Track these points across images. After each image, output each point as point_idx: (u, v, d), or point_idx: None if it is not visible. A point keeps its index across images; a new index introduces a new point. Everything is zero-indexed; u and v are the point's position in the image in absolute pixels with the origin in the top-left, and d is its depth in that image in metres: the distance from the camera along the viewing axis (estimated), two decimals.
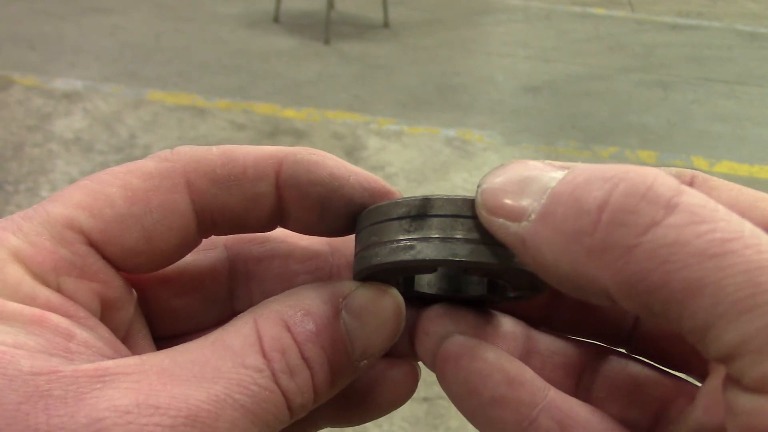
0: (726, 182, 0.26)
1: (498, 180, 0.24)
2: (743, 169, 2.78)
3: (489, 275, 0.27)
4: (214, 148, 0.27)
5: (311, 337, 0.25)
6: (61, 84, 3.00)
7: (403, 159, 2.65)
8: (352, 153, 2.66)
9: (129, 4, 4.03)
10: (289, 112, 2.94)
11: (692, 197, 0.19)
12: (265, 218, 0.28)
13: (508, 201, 0.23)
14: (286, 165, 0.27)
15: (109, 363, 0.22)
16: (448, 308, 0.28)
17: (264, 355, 0.24)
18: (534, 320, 0.30)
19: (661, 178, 0.20)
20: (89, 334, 0.24)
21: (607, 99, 3.33)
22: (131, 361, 0.23)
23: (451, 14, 4.36)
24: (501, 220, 0.23)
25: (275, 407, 0.23)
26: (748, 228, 0.19)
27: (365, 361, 0.27)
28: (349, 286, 0.27)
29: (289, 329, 0.25)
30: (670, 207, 0.19)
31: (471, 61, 3.70)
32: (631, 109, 3.25)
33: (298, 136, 2.76)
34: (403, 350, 0.29)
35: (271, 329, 0.25)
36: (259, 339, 0.24)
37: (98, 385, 0.21)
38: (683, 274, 0.18)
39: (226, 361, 0.23)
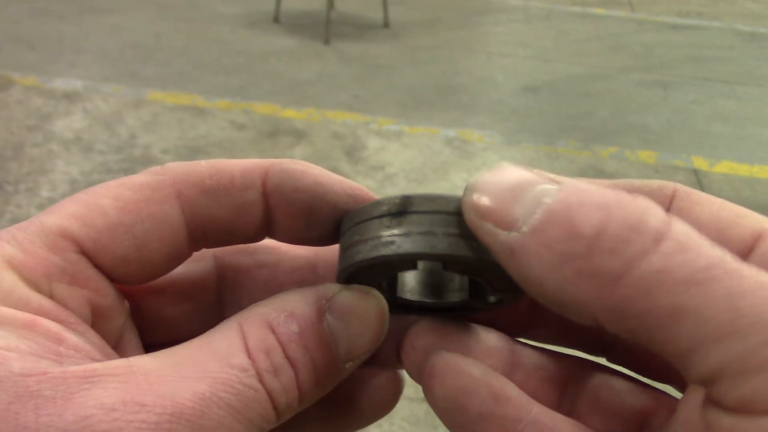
0: (708, 196, 0.26)
1: (489, 184, 0.24)
2: (743, 169, 2.78)
3: (468, 271, 0.28)
4: (203, 162, 0.28)
5: (295, 337, 0.26)
6: (61, 84, 3.00)
7: (403, 159, 2.65)
8: (352, 153, 2.66)
9: (129, 4, 4.02)
10: (289, 112, 2.94)
11: (679, 227, 0.20)
12: (253, 227, 0.29)
13: (498, 207, 0.23)
14: (272, 174, 0.28)
15: (97, 365, 0.23)
16: (435, 322, 0.29)
17: (249, 355, 0.24)
18: (517, 331, 0.31)
19: (652, 210, 0.21)
20: (79, 339, 0.24)
21: (607, 99, 3.33)
22: (119, 363, 0.23)
23: (451, 14, 4.36)
24: (490, 225, 0.23)
25: (260, 406, 0.24)
26: (729, 256, 0.20)
27: (351, 363, 0.27)
28: (332, 288, 0.28)
29: (273, 330, 0.25)
30: (659, 238, 0.20)
31: (471, 61, 3.70)
32: (631, 109, 3.25)
33: (298, 136, 2.76)
34: (388, 359, 0.30)
35: (256, 331, 0.25)
36: (244, 340, 0.25)
37: (86, 386, 0.22)
38: (668, 299, 0.19)
39: (212, 362, 0.24)
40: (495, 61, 3.69)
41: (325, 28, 3.69)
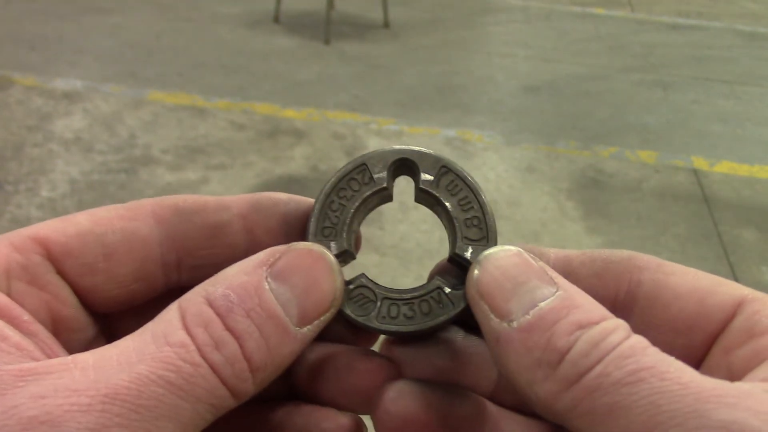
0: (681, 267, 0.28)
1: (495, 267, 0.26)
2: (743, 169, 2.78)
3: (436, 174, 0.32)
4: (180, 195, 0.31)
5: (233, 307, 0.25)
6: (61, 84, 3.00)
7: None
8: (352, 153, 2.66)
9: (129, 4, 4.02)
10: (289, 112, 2.94)
11: (631, 341, 0.24)
12: (230, 249, 0.30)
13: (497, 294, 0.26)
14: (249, 196, 0.30)
15: (35, 364, 0.23)
16: (412, 386, 0.29)
17: (187, 331, 0.24)
18: (487, 397, 0.31)
19: (619, 329, 0.24)
20: (22, 338, 0.24)
21: (607, 99, 3.33)
22: (57, 361, 0.23)
23: (451, 14, 4.36)
24: (486, 307, 0.26)
25: (205, 380, 0.24)
26: (665, 359, 0.23)
27: (308, 327, 0.27)
28: (272, 253, 0.27)
29: (210, 304, 0.25)
30: (610, 350, 0.23)
31: (471, 61, 3.69)
32: (631, 109, 3.25)
33: (298, 136, 2.76)
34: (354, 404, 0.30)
35: (193, 307, 0.25)
36: (182, 318, 0.25)
37: (21, 384, 0.22)
38: (605, 399, 0.23)
39: (150, 345, 0.24)
40: (495, 61, 3.69)
41: (325, 28, 3.69)
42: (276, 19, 3.92)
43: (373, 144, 2.73)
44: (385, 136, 2.81)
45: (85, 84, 3.02)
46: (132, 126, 2.74)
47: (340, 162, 2.58)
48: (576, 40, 4.09)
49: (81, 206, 2.21)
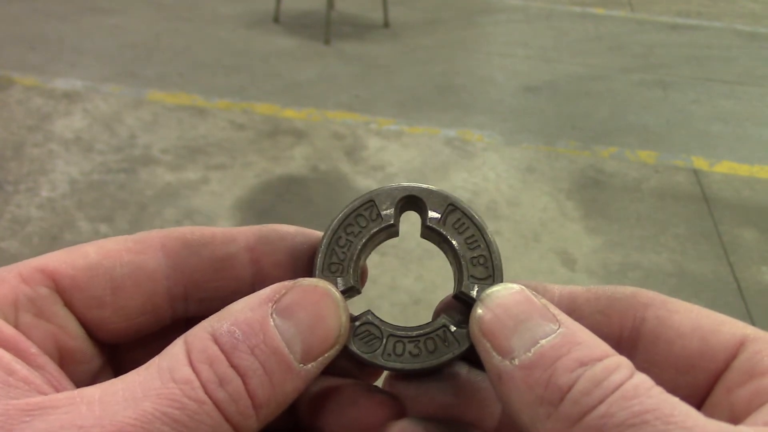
0: (685, 304, 0.28)
1: (497, 305, 0.27)
2: (743, 169, 2.78)
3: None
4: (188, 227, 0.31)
5: (238, 344, 0.25)
6: (61, 84, 3.00)
7: (403, 159, 2.65)
8: (352, 153, 2.66)
9: (129, 4, 4.02)
10: (289, 112, 2.94)
11: (633, 381, 0.24)
12: (237, 281, 0.30)
13: (499, 332, 0.26)
14: (257, 229, 0.30)
15: (41, 398, 0.23)
16: (416, 424, 0.29)
17: (192, 367, 0.24)
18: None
19: (621, 368, 0.24)
20: (30, 372, 0.24)
21: (607, 99, 3.33)
22: (64, 395, 0.23)
23: (451, 14, 4.36)
24: (488, 345, 0.26)
25: (209, 418, 0.24)
26: (669, 400, 0.23)
27: (312, 364, 0.27)
28: (278, 289, 0.27)
29: (215, 340, 0.25)
30: (614, 389, 0.23)
31: (471, 61, 3.69)
32: (631, 109, 3.25)
33: (299, 136, 2.76)
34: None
35: (198, 343, 0.25)
36: (188, 354, 0.25)
37: (27, 419, 0.22)
38: None
39: (156, 380, 0.24)
40: (495, 61, 3.69)
41: (325, 28, 3.69)
42: (276, 19, 3.92)
43: (373, 144, 2.73)
44: (385, 136, 2.81)
45: (85, 84, 3.02)
46: (132, 126, 2.74)
47: (340, 162, 2.58)
48: (576, 40, 4.09)
49: (81, 206, 2.21)
